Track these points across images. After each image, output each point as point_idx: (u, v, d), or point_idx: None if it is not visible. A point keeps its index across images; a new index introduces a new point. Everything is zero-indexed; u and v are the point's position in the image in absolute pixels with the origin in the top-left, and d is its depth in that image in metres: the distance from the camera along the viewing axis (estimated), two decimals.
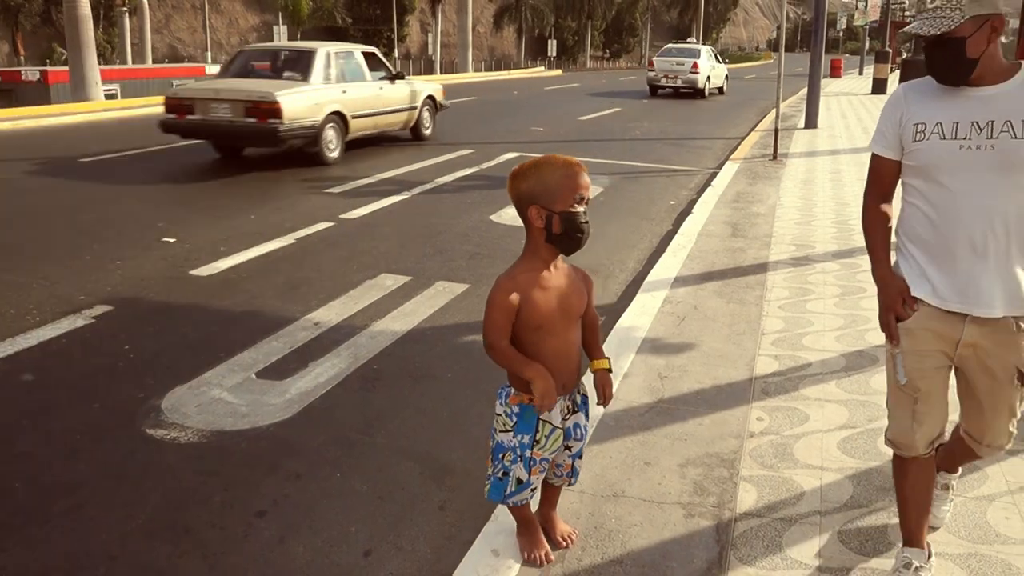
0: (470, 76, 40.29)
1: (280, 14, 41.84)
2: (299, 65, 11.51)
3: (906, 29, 2.34)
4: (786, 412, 3.89)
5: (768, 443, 3.59)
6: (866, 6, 42.19)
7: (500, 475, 2.65)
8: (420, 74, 40.75)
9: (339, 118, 11.40)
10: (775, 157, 12.42)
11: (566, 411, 2.66)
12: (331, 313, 5.32)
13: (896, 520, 2.99)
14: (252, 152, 11.83)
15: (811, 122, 16.68)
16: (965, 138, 2.29)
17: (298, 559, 2.90)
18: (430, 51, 44.74)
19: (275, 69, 12.01)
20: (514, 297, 2.46)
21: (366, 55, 12.74)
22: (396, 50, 40.85)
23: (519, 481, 2.63)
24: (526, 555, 2.76)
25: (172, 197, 9.07)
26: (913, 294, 2.45)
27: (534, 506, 2.90)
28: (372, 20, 39.92)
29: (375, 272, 6.25)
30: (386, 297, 5.71)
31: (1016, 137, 2.24)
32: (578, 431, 2.71)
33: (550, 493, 2.91)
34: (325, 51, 11.80)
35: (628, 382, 4.24)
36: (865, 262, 6.51)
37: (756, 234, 7.65)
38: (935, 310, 2.41)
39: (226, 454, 3.58)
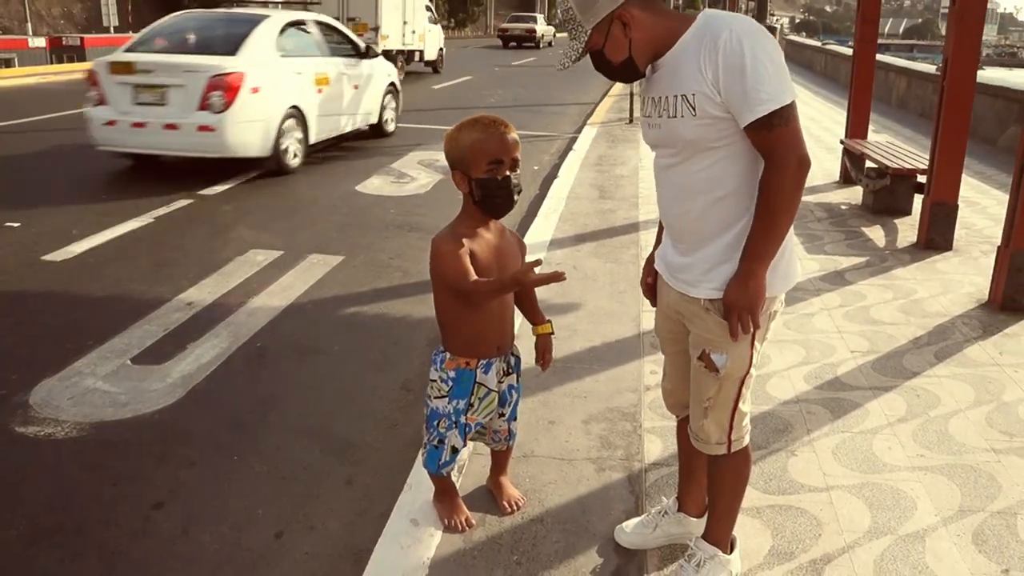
0: None
1: None
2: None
3: (557, 67, 2.21)
4: None
5: None
6: None
7: (435, 443, 2.61)
8: None
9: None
10: (631, 121, 12.71)
11: (501, 373, 2.63)
12: (204, 292, 5.07)
13: (795, 459, 3.16)
14: None
15: None
16: (648, 115, 2.18)
17: (206, 547, 2.76)
18: None
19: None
20: (461, 243, 2.40)
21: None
22: None
23: (454, 449, 2.61)
24: (446, 522, 2.73)
25: (9, 179, 8.39)
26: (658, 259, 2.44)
27: (485, 473, 2.90)
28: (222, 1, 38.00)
29: (244, 248, 6.00)
30: (259, 273, 5.50)
31: (670, 116, 2.07)
32: (511, 393, 2.70)
33: (498, 458, 2.90)
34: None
35: (520, 344, 4.24)
36: None
37: (623, 195, 7.81)
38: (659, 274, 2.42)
39: (110, 446, 3.36)
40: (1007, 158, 9.92)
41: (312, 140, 9.17)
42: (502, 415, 2.72)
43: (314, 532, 2.86)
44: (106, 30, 26.22)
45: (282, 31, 8.97)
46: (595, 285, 5.19)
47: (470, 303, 2.46)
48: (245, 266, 5.61)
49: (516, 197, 2.44)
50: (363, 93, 10.45)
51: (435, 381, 2.60)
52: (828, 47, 25.70)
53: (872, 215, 6.83)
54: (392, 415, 3.70)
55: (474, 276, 2.37)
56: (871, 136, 8.50)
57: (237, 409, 3.71)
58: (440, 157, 2.84)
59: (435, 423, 2.60)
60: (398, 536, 2.68)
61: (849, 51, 21.76)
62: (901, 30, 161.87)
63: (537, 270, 2.26)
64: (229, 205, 7.31)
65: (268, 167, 8.49)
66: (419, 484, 2.93)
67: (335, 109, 9.70)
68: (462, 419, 2.58)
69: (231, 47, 8.30)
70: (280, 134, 8.39)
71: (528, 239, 6.18)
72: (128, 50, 8.61)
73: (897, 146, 7.79)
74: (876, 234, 6.35)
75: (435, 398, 2.59)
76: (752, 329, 2.14)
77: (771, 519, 2.80)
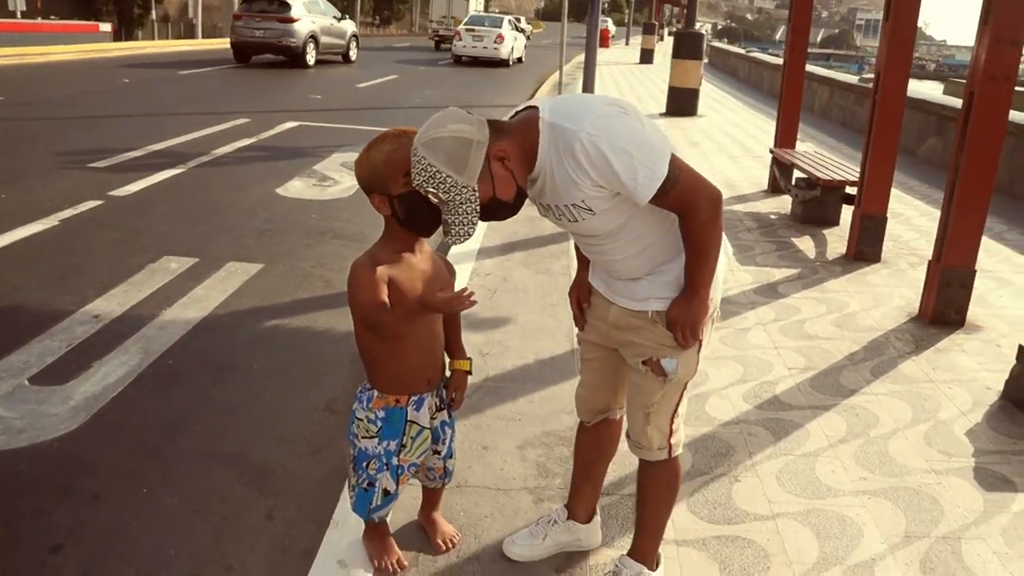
0: None
1: None
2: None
3: (451, 241, 2.03)
4: None
5: None
6: None
7: (365, 486, 2.40)
8: (180, 39, 38.06)
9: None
10: None
11: (433, 409, 2.44)
12: (112, 303, 4.75)
13: (738, 485, 3.06)
14: None
15: (588, 90, 17.12)
16: (549, 212, 2.14)
17: None
18: (190, 14, 41.82)
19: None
20: (381, 270, 2.19)
21: None
22: (153, 12, 37.80)
23: (386, 492, 2.40)
24: (376, 563, 2.53)
25: None
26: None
27: (415, 506, 2.73)
28: None
29: (156, 255, 5.66)
30: (172, 282, 5.18)
31: (571, 220, 2.08)
32: (445, 430, 2.51)
33: (430, 494, 2.71)
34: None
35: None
36: None
37: None
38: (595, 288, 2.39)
39: (3, 480, 3.06)
40: (927, 169, 10.17)
41: None
42: (437, 452, 2.53)
43: (232, 573, 2.63)
44: (12, 15, 25.05)
45: None
46: (526, 298, 5.04)
47: (389, 335, 2.26)
48: (157, 275, 5.29)
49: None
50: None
51: (361, 420, 2.38)
52: (752, 55, 26.14)
53: (801, 225, 6.85)
54: (315, 439, 3.48)
55: (386, 306, 2.16)
56: (796, 145, 8.57)
57: (146, 435, 3.43)
58: None
59: (364, 464, 2.39)
60: None
61: (772, 59, 22.26)
62: (818, 39, 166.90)
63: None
64: (141, 208, 6.93)
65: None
66: (345, 520, 2.73)
67: None
68: (394, 461, 2.38)
69: (496, 23, 27.58)
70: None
71: (456, 248, 6.00)
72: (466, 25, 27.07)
73: (826, 156, 7.86)
74: (806, 245, 6.35)
75: (363, 438, 2.38)
76: (698, 341, 2.20)
77: (717, 551, 2.69)
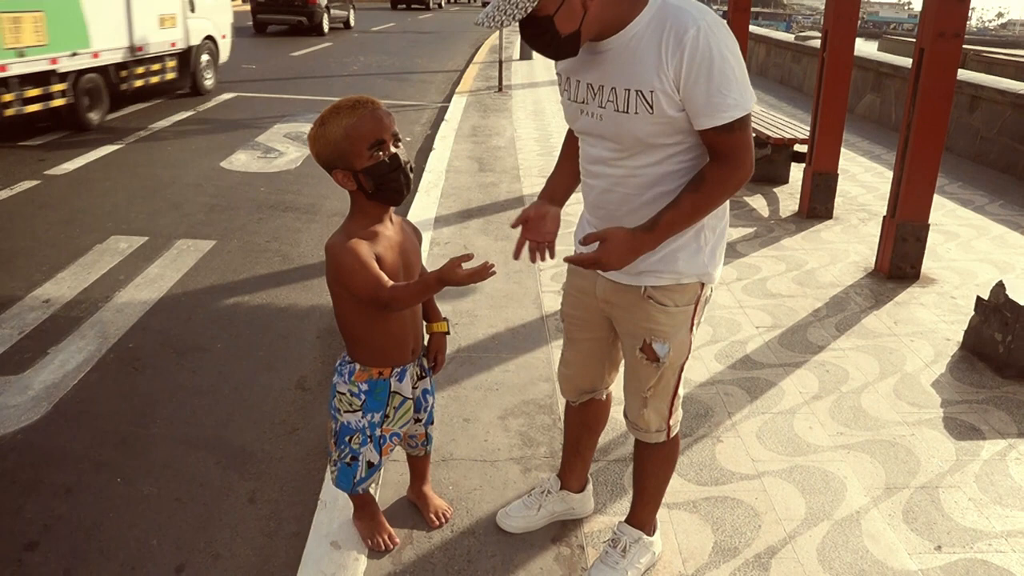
0: None
1: None
2: None
3: (477, 20, 1.81)
4: None
5: None
6: None
7: (348, 460, 2.34)
8: None
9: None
10: (500, 89, 12.52)
11: (415, 378, 2.40)
12: (62, 287, 4.58)
13: (721, 445, 3.09)
14: None
15: (526, 54, 17.01)
16: (583, 101, 1.99)
17: None
18: None
19: None
20: (364, 246, 2.10)
21: None
22: None
23: (370, 465, 2.35)
24: (369, 542, 2.49)
25: None
26: (576, 237, 2.18)
27: (403, 482, 2.68)
28: None
29: (103, 235, 5.48)
30: (123, 262, 5.02)
31: (619, 109, 1.90)
32: (427, 398, 2.47)
33: (417, 465, 2.67)
34: None
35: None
36: None
37: (503, 167, 7.64)
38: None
39: None
40: (865, 125, 10.35)
41: None
42: (419, 420, 2.50)
43: (220, 561, 2.58)
44: None
45: None
46: None
47: (383, 311, 2.18)
48: (107, 255, 5.12)
49: (411, 174, 2.17)
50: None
51: (343, 394, 2.32)
52: None
53: (752, 183, 6.91)
54: (290, 419, 3.41)
55: (388, 282, 2.09)
56: None
57: (115, 422, 3.33)
58: (307, 129, 2.52)
59: (347, 439, 2.33)
60: (319, 562, 2.43)
61: None
62: None
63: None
64: (81, 186, 6.68)
65: None
66: (334, 501, 2.68)
67: None
68: (377, 432, 2.33)
69: None
70: None
71: (412, 217, 5.93)
72: None
73: (773, 115, 7.92)
74: (759, 203, 6.42)
75: (346, 412, 2.32)
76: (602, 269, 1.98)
77: (708, 513, 2.71)
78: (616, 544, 2.42)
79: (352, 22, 26.68)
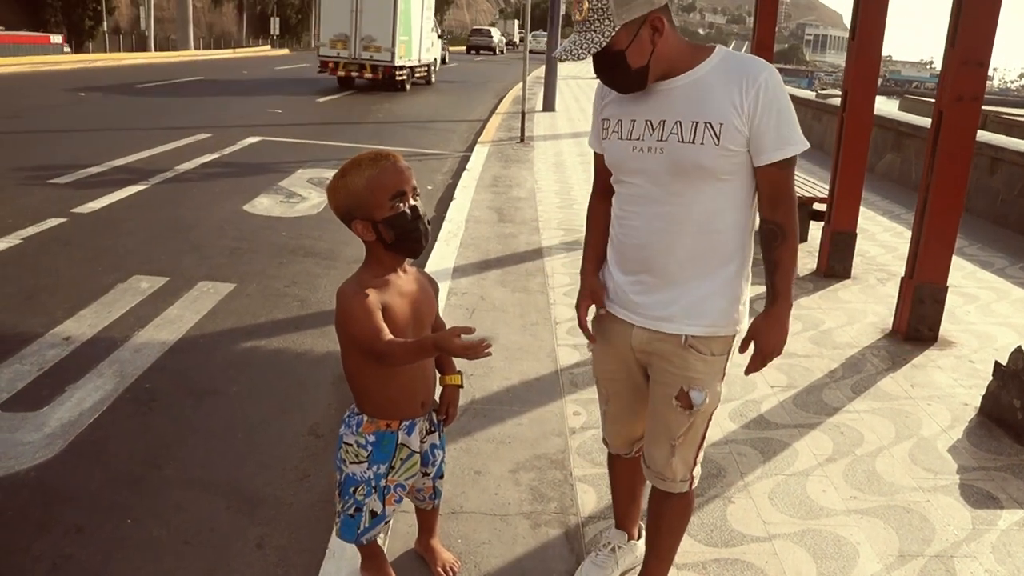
0: (192, 54, 37.75)
1: None
2: None
3: (555, 54, 2.03)
4: None
5: (591, 438, 3.54)
6: None
7: (352, 511, 2.34)
8: (132, 51, 37.52)
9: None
10: (523, 140, 12.65)
11: (424, 432, 2.41)
12: (83, 325, 4.63)
13: (733, 506, 3.06)
14: None
15: (549, 105, 17.22)
16: (639, 138, 2.09)
17: None
18: (142, 26, 41.24)
19: None
20: (372, 297, 2.13)
21: None
22: (105, 24, 37.18)
23: (373, 514, 2.35)
24: None
25: None
26: (601, 301, 2.32)
27: (411, 534, 2.67)
28: None
29: (125, 274, 5.55)
30: (144, 302, 5.08)
31: (683, 140, 2.02)
32: (435, 452, 2.47)
33: (425, 519, 2.66)
34: None
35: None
36: None
37: (523, 219, 7.70)
38: (610, 314, 2.30)
39: None
40: (885, 184, 10.37)
41: None
42: (427, 474, 2.49)
43: None
44: None
45: None
46: (505, 317, 5.02)
47: (392, 364, 2.18)
48: (128, 294, 5.18)
49: (429, 227, 2.21)
50: None
51: (350, 445, 2.32)
52: None
53: None
54: (302, 464, 3.42)
55: (388, 335, 2.10)
56: None
57: (128, 462, 3.35)
58: (330, 175, 2.57)
59: (351, 490, 2.33)
60: None
61: None
62: None
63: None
64: (106, 225, 6.79)
65: None
66: (342, 550, 2.68)
67: None
68: (382, 483, 2.33)
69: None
70: None
71: (431, 267, 5.97)
72: None
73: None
74: None
75: (352, 463, 2.32)
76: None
77: (718, 574, 2.68)
78: None
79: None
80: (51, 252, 5.97)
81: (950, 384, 4.26)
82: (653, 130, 2.06)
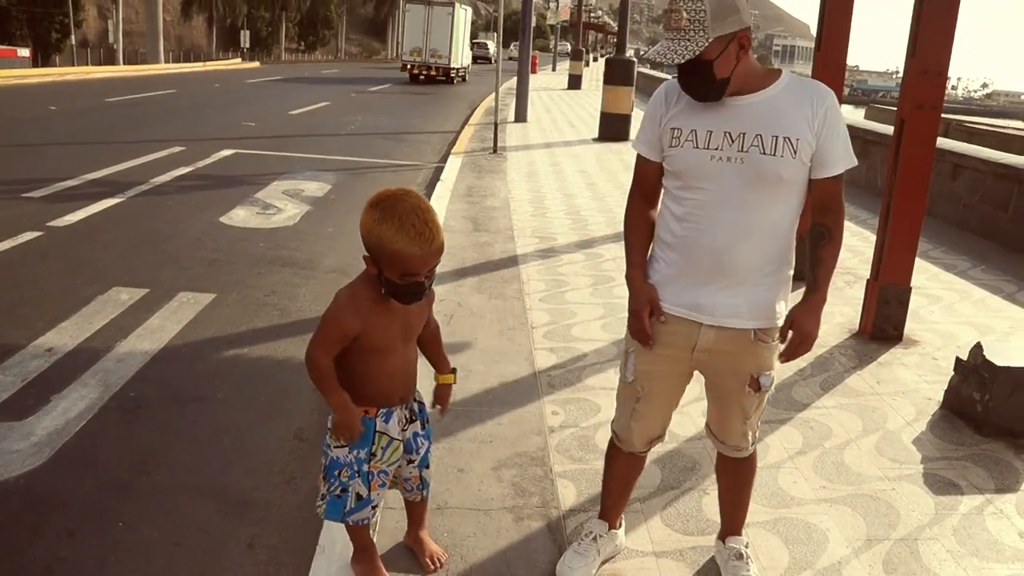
0: (162, 67, 37.61)
1: None
2: None
3: (649, 55, 2.23)
4: (577, 404, 3.99)
5: (570, 436, 3.65)
6: (557, 7, 45.30)
7: (338, 492, 2.44)
8: (100, 64, 37.29)
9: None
10: (495, 151, 12.78)
11: (404, 421, 2.51)
12: (64, 336, 4.68)
13: (708, 497, 3.18)
14: None
15: (521, 116, 17.38)
16: (717, 148, 2.25)
17: None
18: (111, 39, 41.01)
19: None
20: (355, 322, 2.29)
21: None
22: (73, 37, 36.92)
23: (359, 497, 2.45)
24: None
25: None
26: (653, 304, 2.44)
27: (399, 529, 2.77)
28: (40, 2, 35.77)
29: (105, 286, 5.59)
30: (125, 313, 5.13)
31: (764, 152, 2.21)
32: (418, 440, 2.58)
33: (414, 511, 2.76)
34: None
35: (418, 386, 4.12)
36: (608, 252, 6.91)
37: (497, 227, 7.80)
38: (670, 315, 2.41)
39: None
40: (852, 190, 10.55)
41: None
42: (411, 462, 2.60)
43: None
44: None
45: None
46: (483, 322, 5.12)
47: (367, 360, 2.36)
48: (109, 306, 5.22)
49: (425, 292, 2.32)
50: None
51: (332, 429, 2.45)
52: None
53: None
54: (288, 467, 3.49)
55: (330, 356, 2.32)
56: None
57: (117, 468, 3.40)
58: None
59: (336, 472, 2.44)
60: None
61: None
62: None
63: None
64: (83, 238, 6.81)
65: None
66: (332, 546, 2.76)
67: None
68: (364, 468, 2.44)
69: None
70: None
71: None
72: None
73: None
74: None
75: (335, 447, 2.44)
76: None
77: (694, 561, 2.80)
78: (741, 557, 2.69)
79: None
80: (29, 265, 6.00)
81: (914, 380, 4.42)
82: (733, 141, 2.25)
